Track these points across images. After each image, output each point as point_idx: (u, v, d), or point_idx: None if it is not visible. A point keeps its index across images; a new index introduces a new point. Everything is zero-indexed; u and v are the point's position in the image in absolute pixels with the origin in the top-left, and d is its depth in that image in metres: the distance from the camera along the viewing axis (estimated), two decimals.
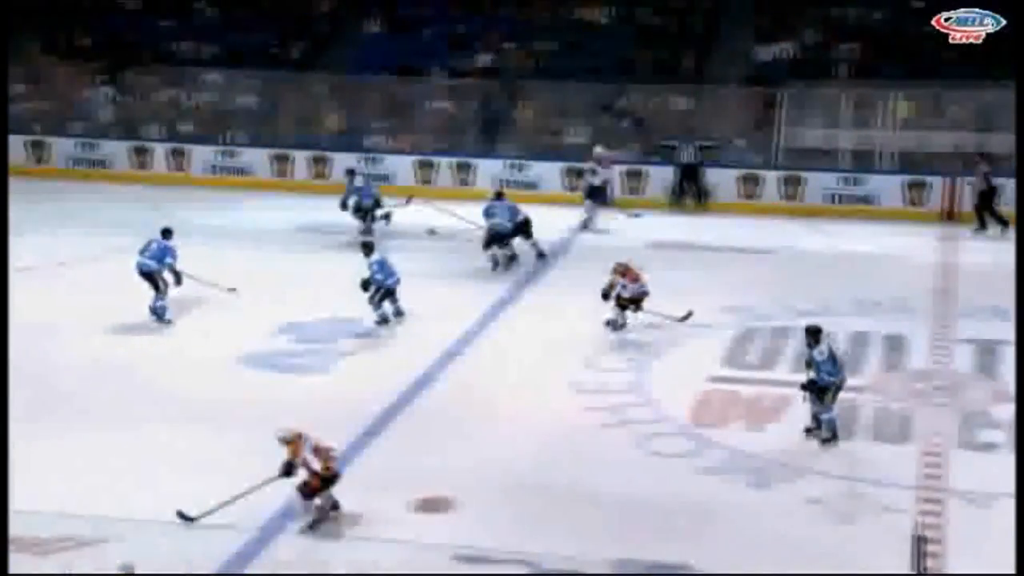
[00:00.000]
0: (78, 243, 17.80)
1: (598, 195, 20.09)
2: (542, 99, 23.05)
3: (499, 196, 18.08)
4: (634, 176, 21.92)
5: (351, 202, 18.87)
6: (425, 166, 22.35)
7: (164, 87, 23.97)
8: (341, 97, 23.57)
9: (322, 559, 9.45)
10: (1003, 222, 19.47)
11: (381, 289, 14.73)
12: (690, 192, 21.47)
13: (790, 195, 21.30)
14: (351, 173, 19.57)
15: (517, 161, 22.13)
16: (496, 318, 15.28)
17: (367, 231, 18.50)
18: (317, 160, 22.67)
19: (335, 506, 10.05)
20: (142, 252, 14.99)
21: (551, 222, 19.75)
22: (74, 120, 23.71)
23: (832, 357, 11.52)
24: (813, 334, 11.57)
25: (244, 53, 23.96)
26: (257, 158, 22.74)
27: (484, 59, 23.82)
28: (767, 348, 14.29)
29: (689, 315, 14.60)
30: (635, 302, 14.52)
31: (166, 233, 15.17)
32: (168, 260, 14.93)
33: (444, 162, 22.22)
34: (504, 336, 14.69)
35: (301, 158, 22.69)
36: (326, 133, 23.30)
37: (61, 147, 23.15)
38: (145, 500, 10.20)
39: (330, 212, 19.74)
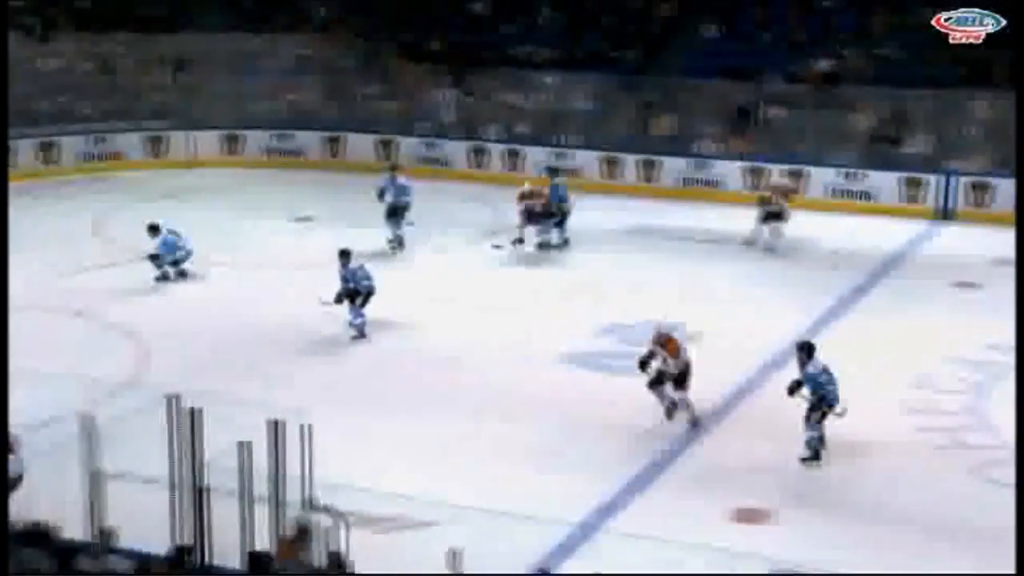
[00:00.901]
0: (413, 237, 18.72)
1: (775, 219, 18.83)
2: (882, 106, 22.20)
3: (555, 172, 18.78)
4: (979, 189, 20.73)
5: (388, 199, 18.49)
6: (756, 172, 22.00)
7: (504, 89, 24.75)
8: (673, 101, 23.59)
9: (633, 558, 9.50)
10: None
11: (365, 294, 14.56)
12: None
13: None
14: (394, 169, 19.30)
15: (852, 170, 21.42)
16: (822, 329, 14.86)
17: (397, 237, 18.31)
18: (647, 164, 22.79)
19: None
20: (176, 250, 16.59)
21: (889, 234, 19.07)
22: (420, 121, 24.90)
23: (828, 371, 11.21)
24: (807, 350, 11.29)
25: (582, 57, 24.42)
26: (588, 160, 23.11)
27: (823, 64, 23.18)
28: None
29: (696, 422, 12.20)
30: (678, 380, 12.04)
31: (154, 230, 16.53)
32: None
33: (776, 169, 21.78)
34: (830, 348, 14.22)
35: (631, 161, 22.88)
36: (657, 137, 23.38)
37: (407, 146, 24.37)
38: (473, 488, 10.61)
39: (660, 215, 19.90)
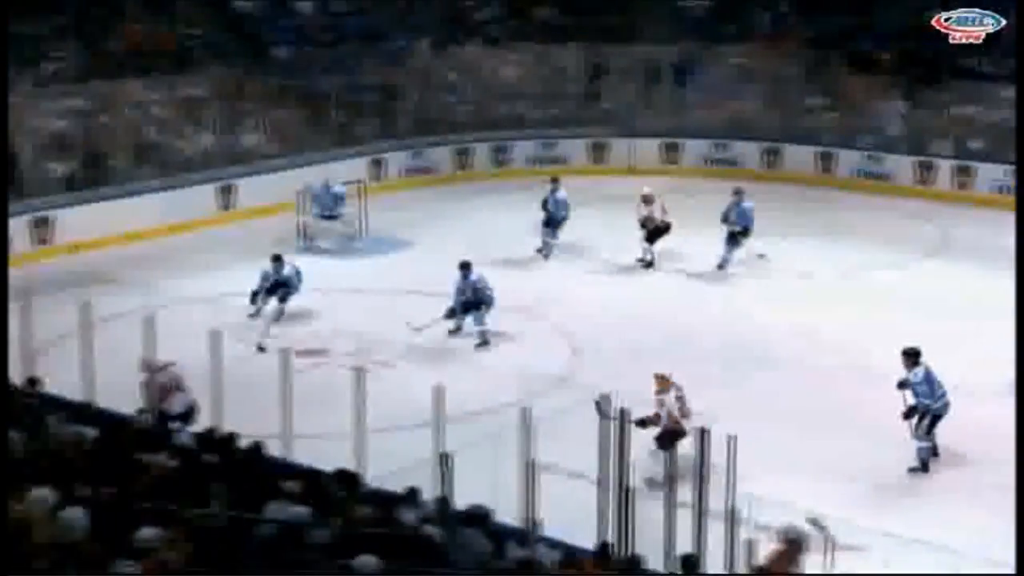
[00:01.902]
0: (853, 254, 18.19)
1: None
2: None
3: (740, 192, 17.81)
4: None
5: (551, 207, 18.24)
6: None
7: (958, 103, 23.51)
8: None
9: None
10: None
11: (487, 305, 14.71)
12: None
13: None
14: (555, 181, 18.60)
15: None
16: None
17: (548, 247, 18.17)
18: None
19: None
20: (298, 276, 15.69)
21: None
22: (863, 134, 24.15)
23: (929, 380, 11.16)
24: (912, 356, 11.33)
25: None
26: None
27: None
28: None
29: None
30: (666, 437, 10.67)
31: (277, 259, 15.56)
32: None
33: None
34: None
35: None
36: None
37: (847, 159, 23.71)
38: (902, 516, 10.25)
39: None
